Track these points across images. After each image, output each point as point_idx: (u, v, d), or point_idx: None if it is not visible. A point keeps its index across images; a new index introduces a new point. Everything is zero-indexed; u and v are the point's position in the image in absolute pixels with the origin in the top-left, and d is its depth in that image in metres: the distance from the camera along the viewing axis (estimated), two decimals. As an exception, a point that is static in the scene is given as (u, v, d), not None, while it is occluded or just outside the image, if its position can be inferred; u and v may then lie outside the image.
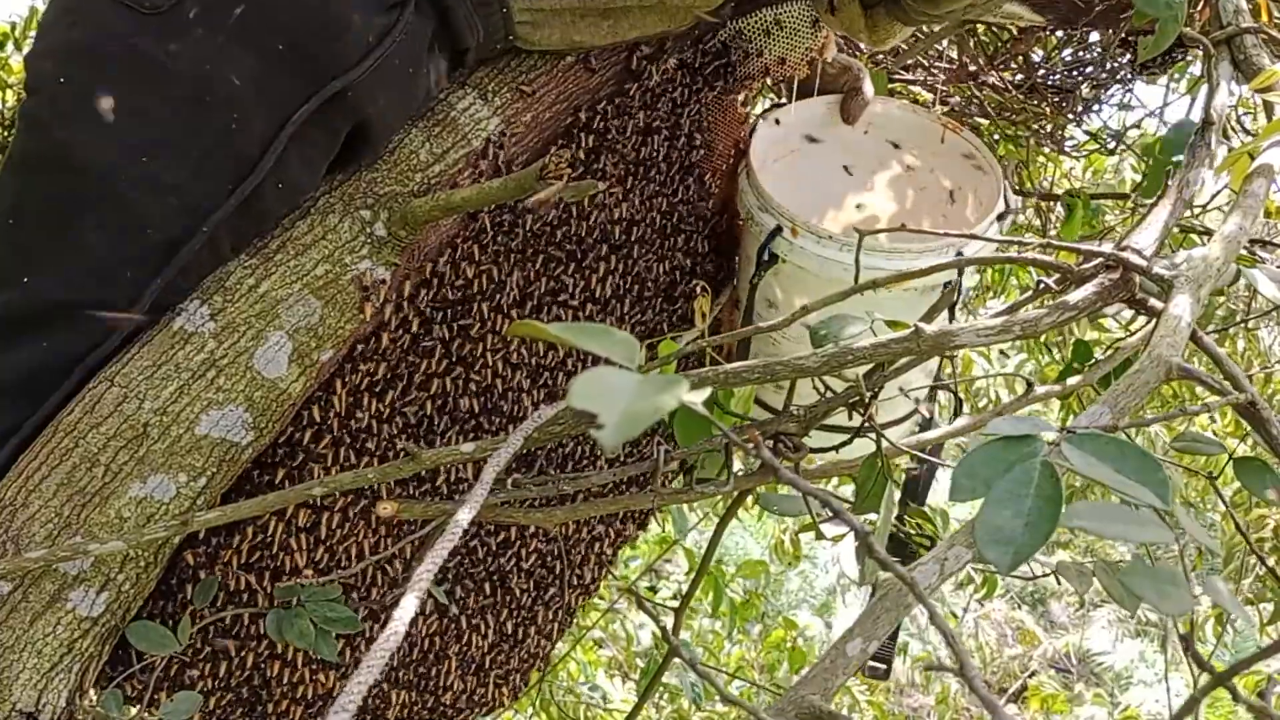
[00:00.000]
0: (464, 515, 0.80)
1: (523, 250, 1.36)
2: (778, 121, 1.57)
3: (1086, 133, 2.37)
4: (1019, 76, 2.23)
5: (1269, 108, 0.89)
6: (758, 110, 1.65)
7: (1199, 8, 1.05)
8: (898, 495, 1.08)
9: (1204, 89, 1.03)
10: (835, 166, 1.56)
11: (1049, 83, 2.22)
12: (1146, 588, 0.51)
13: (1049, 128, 2.28)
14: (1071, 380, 1.21)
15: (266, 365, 1.15)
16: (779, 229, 1.34)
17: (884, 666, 1.66)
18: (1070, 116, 2.20)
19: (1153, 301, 0.80)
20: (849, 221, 1.51)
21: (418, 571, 0.62)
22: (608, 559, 1.51)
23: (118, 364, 1.11)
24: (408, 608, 0.53)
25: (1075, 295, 0.80)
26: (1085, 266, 0.81)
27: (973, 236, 1.13)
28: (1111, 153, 2.35)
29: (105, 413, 1.09)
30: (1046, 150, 2.35)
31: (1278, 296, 1.06)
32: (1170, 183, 0.84)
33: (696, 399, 0.41)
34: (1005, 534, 0.57)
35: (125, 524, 1.08)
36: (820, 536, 1.17)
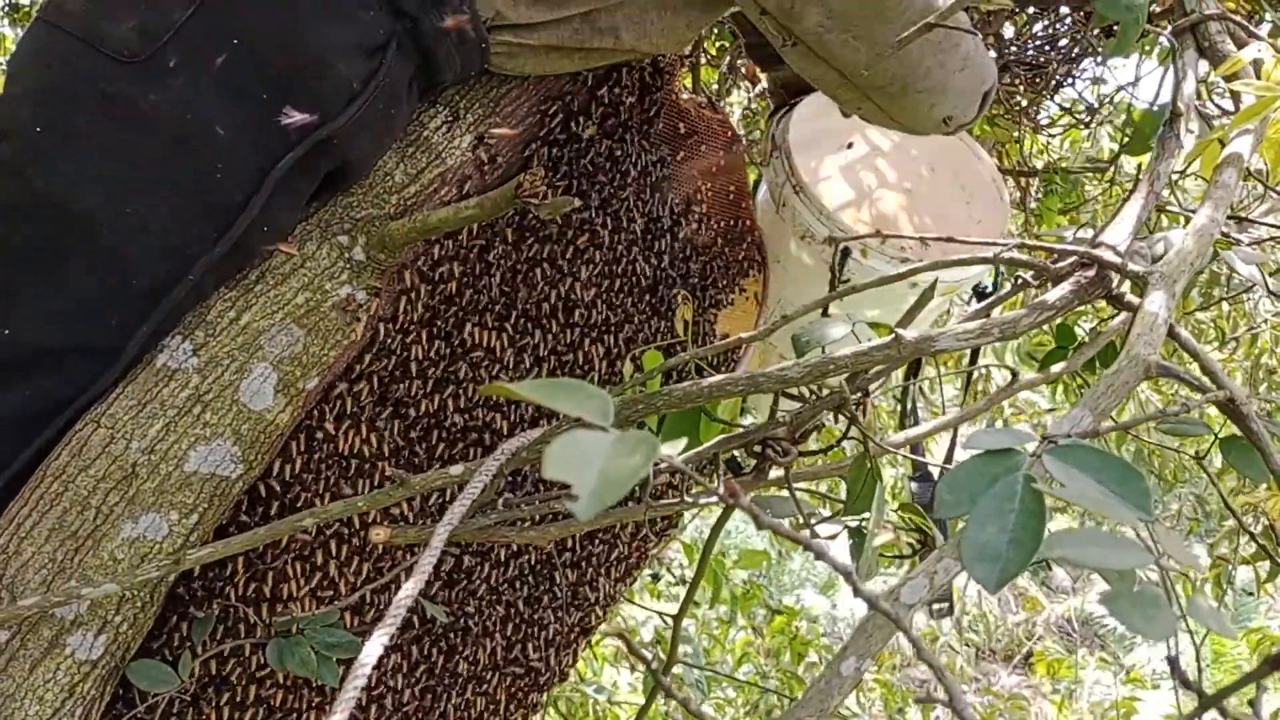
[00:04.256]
0: (438, 539, 0.81)
1: (503, 259, 1.36)
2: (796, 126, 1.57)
3: (1061, 107, 2.37)
4: (991, 55, 2.23)
5: (1236, 97, 0.89)
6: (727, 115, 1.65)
7: (1162, -5, 1.05)
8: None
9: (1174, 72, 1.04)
10: (865, 165, 1.57)
11: (1022, 57, 2.22)
12: (1130, 614, 0.51)
13: (1024, 104, 2.28)
14: (1056, 366, 1.21)
15: (252, 397, 1.14)
16: (848, 251, 1.36)
17: (948, 604, 1.67)
18: (1044, 93, 2.21)
19: (1130, 296, 0.80)
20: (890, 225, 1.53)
21: (396, 598, 0.62)
22: (621, 575, 1.52)
23: (103, 404, 1.10)
24: (378, 642, 0.54)
25: (1052, 294, 0.80)
26: (1060, 265, 0.81)
27: (1025, 244, 1.13)
28: (1087, 125, 2.36)
29: (93, 455, 1.09)
30: (1022, 126, 2.36)
31: (1254, 275, 1.07)
32: (1141, 176, 0.85)
33: (672, 451, 0.41)
34: (991, 551, 0.57)
35: (119, 565, 1.08)
36: (814, 535, 1.18)
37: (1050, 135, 2.46)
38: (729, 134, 1.57)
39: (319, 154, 1.11)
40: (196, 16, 1.04)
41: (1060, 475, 0.59)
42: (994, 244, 0.87)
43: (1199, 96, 1.09)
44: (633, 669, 4.07)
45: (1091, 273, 0.80)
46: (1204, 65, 1.08)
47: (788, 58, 1.27)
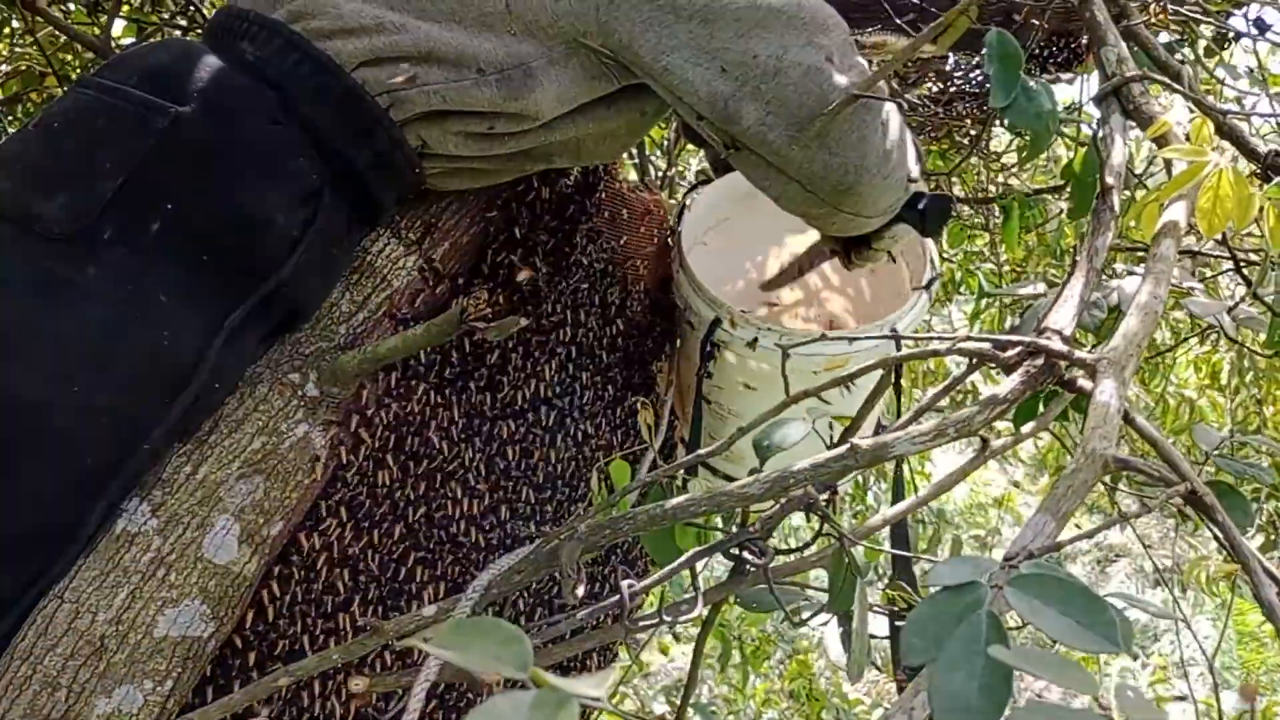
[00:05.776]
0: (415, 700, 0.78)
1: (464, 369, 1.34)
2: (699, 201, 1.57)
3: (1009, 130, 2.37)
4: (934, 89, 2.24)
5: (1168, 165, 0.88)
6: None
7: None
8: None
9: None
10: (762, 239, 1.56)
11: (964, 89, 2.22)
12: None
13: (971, 133, 2.29)
14: (1026, 426, 1.19)
15: (216, 552, 1.12)
16: (718, 321, 1.34)
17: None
18: (992, 120, 2.21)
19: (1081, 382, 0.79)
20: (778, 299, 1.51)
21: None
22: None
23: (65, 578, 1.08)
24: None
25: (1003, 388, 0.79)
26: (1008, 355, 0.80)
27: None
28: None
29: (59, 632, 1.06)
30: (974, 157, 2.36)
31: (1213, 319, 1.06)
32: (1079, 256, 0.84)
33: (596, 692, 0.39)
34: (961, 702, 0.55)
35: (96, 745, 1.05)
36: (801, 624, 1.16)
37: (1004, 164, 2.46)
38: (664, 215, 1.57)
39: (266, 305, 1.09)
40: (127, 188, 1.02)
41: (1023, 610, 0.58)
42: (944, 337, 0.86)
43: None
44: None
45: (1040, 361, 0.79)
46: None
47: (739, 167, 1.18)
